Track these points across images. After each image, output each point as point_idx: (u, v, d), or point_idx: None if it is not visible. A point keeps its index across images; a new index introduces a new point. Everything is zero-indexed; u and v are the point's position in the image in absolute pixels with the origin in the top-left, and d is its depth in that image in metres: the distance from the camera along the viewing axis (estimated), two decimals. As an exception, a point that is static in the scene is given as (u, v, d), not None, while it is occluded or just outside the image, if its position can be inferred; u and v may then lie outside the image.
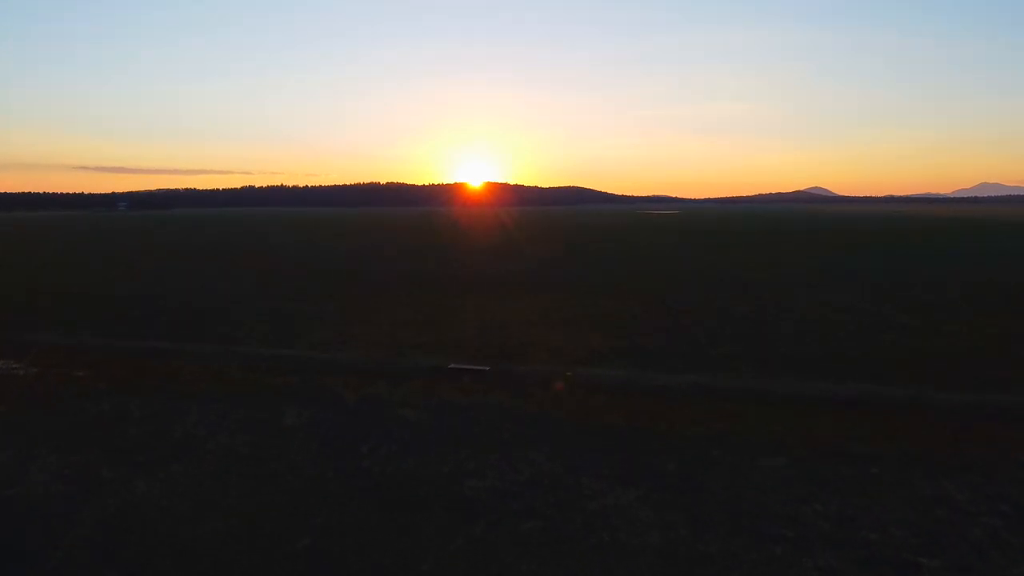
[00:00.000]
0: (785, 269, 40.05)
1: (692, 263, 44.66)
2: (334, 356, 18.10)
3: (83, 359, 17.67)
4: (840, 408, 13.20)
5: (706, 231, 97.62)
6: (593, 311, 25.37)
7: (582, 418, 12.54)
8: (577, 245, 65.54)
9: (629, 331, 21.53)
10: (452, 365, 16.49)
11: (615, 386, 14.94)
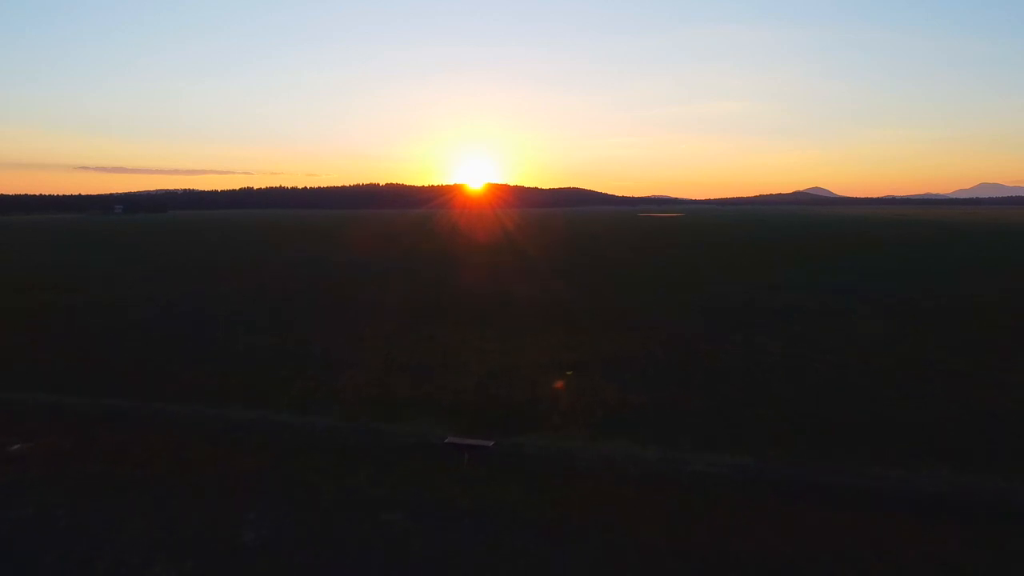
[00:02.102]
0: (809, 287, 37.58)
1: (708, 282, 42.23)
2: (314, 421, 15.70)
3: (25, 426, 15.29)
4: (924, 512, 10.82)
5: (714, 239, 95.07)
6: (607, 350, 22.99)
7: (613, 530, 10.16)
8: (585, 257, 63.09)
9: (649, 380, 19.15)
10: (450, 439, 14.11)
11: (644, 472, 12.56)
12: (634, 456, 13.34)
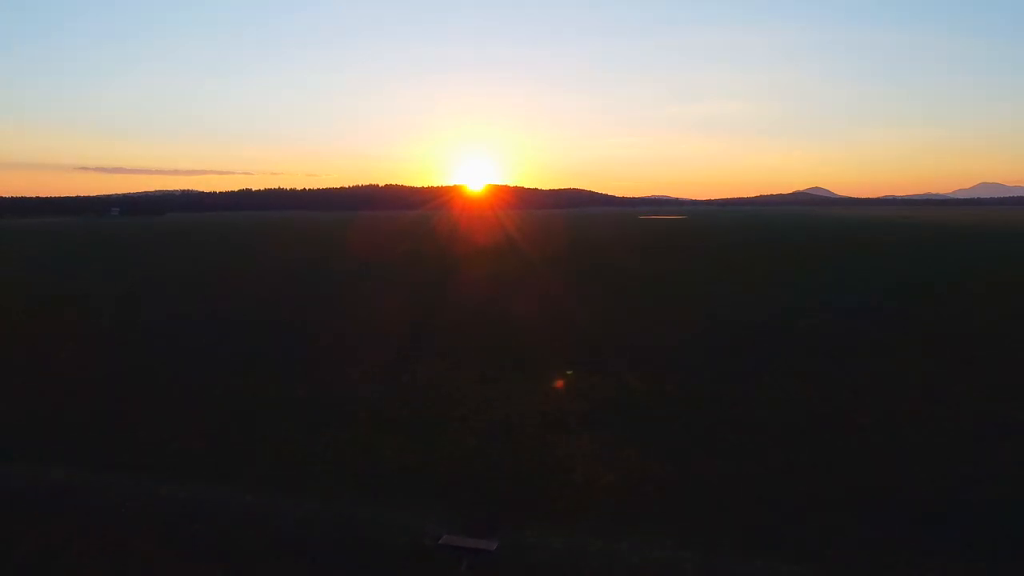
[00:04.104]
0: (826, 304, 35.06)
1: (720, 296, 39.67)
2: (285, 507, 13.33)
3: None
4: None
5: (720, 244, 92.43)
6: (623, 396, 20.65)
7: None
8: (591, 266, 60.62)
9: (674, 439, 16.81)
10: (445, 539, 11.77)
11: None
12: (665, 564, 10.98)
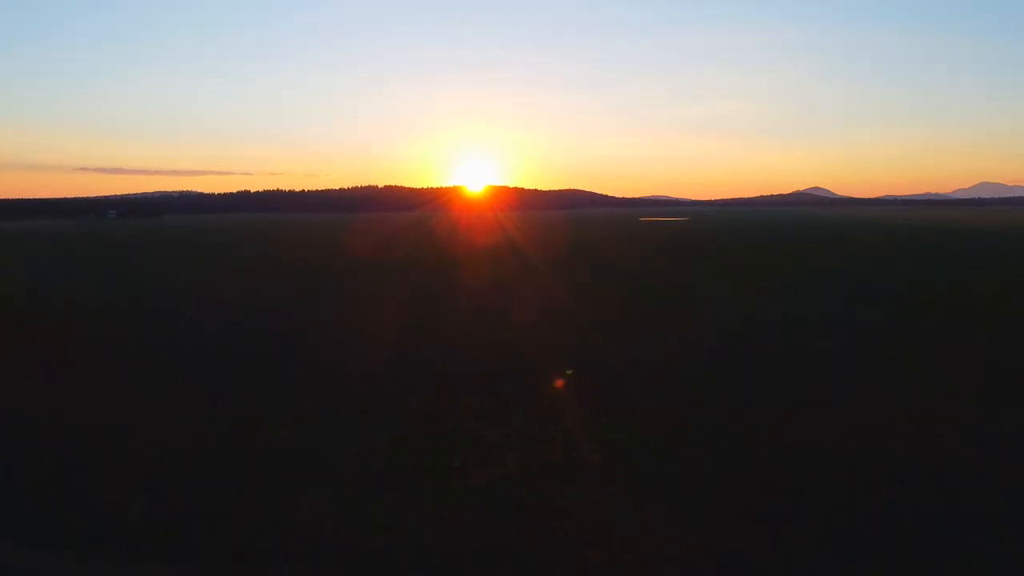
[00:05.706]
0: (855, 323, 33.03)
1: (736, 311, 37.71)
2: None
3: None
4: None
5: (728, 248, 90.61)
6: (634, 436, 18.78)
7: None
8: (597, 272, 58.73)
9: (694, 495, 14.93)
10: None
11: None
12: None
